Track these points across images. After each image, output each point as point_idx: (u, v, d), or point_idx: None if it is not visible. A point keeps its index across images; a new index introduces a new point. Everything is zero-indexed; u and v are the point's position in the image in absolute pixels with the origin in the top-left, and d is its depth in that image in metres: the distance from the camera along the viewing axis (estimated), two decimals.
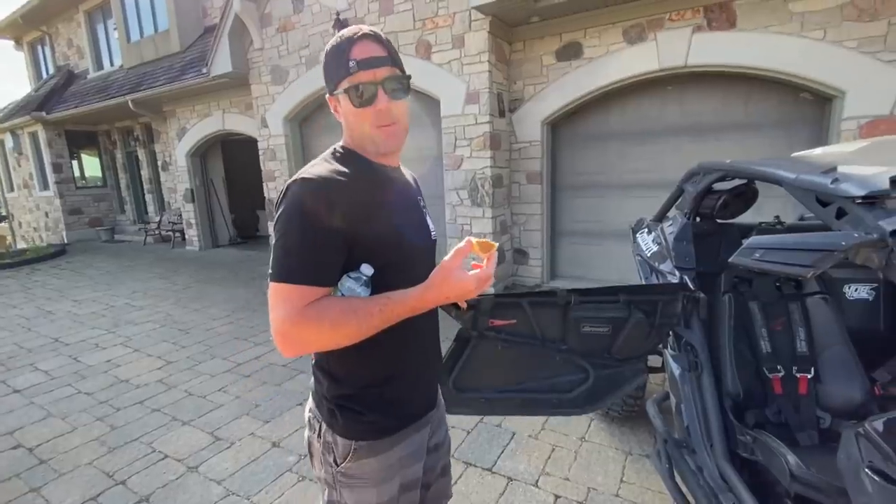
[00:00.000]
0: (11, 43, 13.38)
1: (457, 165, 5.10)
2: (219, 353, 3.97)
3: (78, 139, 11.60)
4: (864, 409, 1.53)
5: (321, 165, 0.87)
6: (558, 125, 5.17)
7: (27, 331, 4.82)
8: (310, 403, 1.03)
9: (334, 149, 0.94)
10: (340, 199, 0.83)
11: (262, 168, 7.21)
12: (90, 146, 11.94)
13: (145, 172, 10.90)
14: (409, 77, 0.93)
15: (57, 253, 9.73)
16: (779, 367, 1.65)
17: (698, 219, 2.09)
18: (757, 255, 1.12)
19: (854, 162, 1.26)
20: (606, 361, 1.81)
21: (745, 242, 1.17)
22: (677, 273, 1.90)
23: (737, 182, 1.94)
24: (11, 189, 13.54)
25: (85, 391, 3.34)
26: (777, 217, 2.15)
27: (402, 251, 0.91)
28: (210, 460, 2.46)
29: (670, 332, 1.83)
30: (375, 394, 0.94)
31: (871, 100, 3.53)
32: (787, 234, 1.18)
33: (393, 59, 0.90)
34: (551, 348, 1.77)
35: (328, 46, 0.91)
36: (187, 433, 2.73)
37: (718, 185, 1.93)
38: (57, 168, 11.25)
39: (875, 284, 1.89)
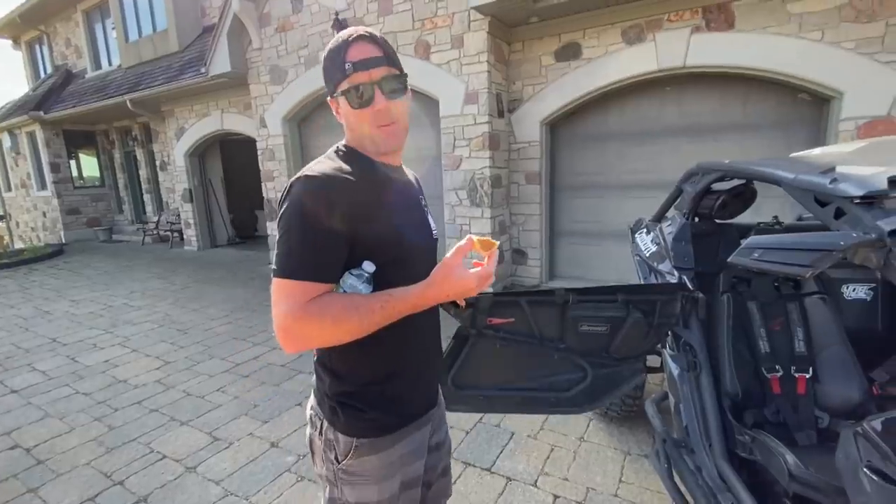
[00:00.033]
0: (9, 42, 13.34)
1: (456, 166, 5.10)
2: (217, 353, 3.97)
3: (76, 139, 11.57)
4: (862, 409, 1.54)
5: (324, 163, 0.88)
6: (557, 125, 5.17)
7: (25, 331, 4.81)
8: (311, 401, 1.04)
9: (337, 147, 0.95)
10: (343, 197, 0.83)
11: (261, 168, 7.20)
12: (88, 146, 11.91)
13: (143, 172, 10.88)
14: (406, 76, 0.93)
15: (55, 253, 9.70)
16: (777, 367, 1.66)
17: (697, 219, 2.10)
18: (755, 254, 1.13)
19: (852, 162, 1.26)
20: (605, 361, 1.82)
21: (744, 242, 1.17)
22: (676, 273, 1.90)
23: (735, 182, 1.95)
24: (9, 189, 13.50)
25: (83, 391, 3.33)
26: (775, 217, 2.16)
27: (402, 250, 0.92)
28: (208, 460, 2.45)
29: (669, 332, 1.83)
30: (377, 391, 0.95)
31: (869, 100, 3.54)
32: (785, 234, 1.18)
33: (389, 58, 0.90)
34: (549, 347, 1.77)
35: (326, 50, 0.92)
36: (185, 433, 2.73)
37: (717, 186, 1.94)
38: (55, 168, 11.21)
39: (873, 284, 1.90)
